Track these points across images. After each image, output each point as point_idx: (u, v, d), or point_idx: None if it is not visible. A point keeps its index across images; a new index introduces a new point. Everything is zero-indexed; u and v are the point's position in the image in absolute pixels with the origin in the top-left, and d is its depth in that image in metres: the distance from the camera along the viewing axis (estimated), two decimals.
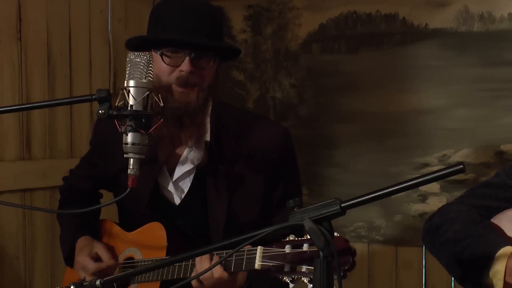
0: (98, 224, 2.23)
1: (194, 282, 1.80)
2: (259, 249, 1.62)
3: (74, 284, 1.37)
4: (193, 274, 1.80)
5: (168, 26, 1.94)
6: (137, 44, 1.98)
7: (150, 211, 2.05)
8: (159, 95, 1.68)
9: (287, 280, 1.53)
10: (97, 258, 2.08)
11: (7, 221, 2.77)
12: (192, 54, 1.91)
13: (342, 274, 1.45)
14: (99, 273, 2.04)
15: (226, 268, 1.75)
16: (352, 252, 1.48)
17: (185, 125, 1.98)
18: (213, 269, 1.74)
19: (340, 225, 3.16)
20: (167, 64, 1.93)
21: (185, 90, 1.94)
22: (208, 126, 2.02)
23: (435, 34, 3.03)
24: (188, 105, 1.94)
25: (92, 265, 2.05)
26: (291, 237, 1.57)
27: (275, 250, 1.58)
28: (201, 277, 1.76)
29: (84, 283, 1.38)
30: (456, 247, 1.73)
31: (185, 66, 1.91)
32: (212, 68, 1.97)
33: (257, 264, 1.61)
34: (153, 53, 1.95)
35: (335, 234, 1.47)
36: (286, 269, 1.55)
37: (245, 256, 1.69)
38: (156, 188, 2.06)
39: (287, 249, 1.55)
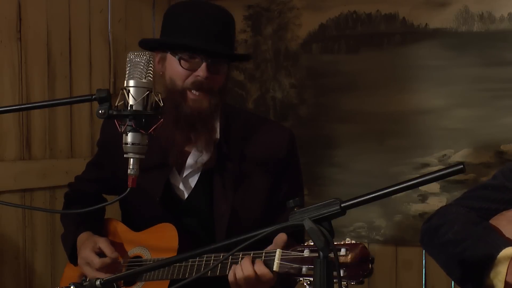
0: (101, 223, 2.23)
1: (231, 278, 1.78)
2: (278, 251, 1.68)
3: (74, 284, 1.37)
4: (231, 272, 1.79)
5: (187, 30, 1.96)
6: (152, 46, 2.00)
7: (160, 208, 2.06)
8: (159, 95, 1.68)
9: (304, 283, 1.57)
10: (101, 253, 2.07)
11: (7, 221, 2.77)
12: (209, 60, 1.95)
13: (360, 279, 1.49)
14: (104, 268, 2.03)
15: None
16: (370, 259, 1.53)
17: (198, 130, 2.01)
18: (256, 267, 1.73)
19: (340, 225, 3.15)
20: (184, 68, 1.96)
21: (199, 96, 1.97)
22: (218, 126, 2.06)
23: (435, 34, 3.03)
24: (201, 112, 1.98)
25: (97, 261, 2.04)
26: (311, 242, 1.61)
27: (293, 253, 1.64)
28: (241, 276, 1.75)
29: (84, 284, 1.38)
30: (456, 248, 1.73)
31: (202, 71, 1.95)
32: (225, 73, 2.02)
33: (276, 266, 1.66)
34: (169, 55, 1.99)
35: (352, 241, 1.52)
36: (304, 271, 1.60)
37: (263, 258, 1.71)
38: (167, 187, 2.08)
39: (306, 253, 1.61)
